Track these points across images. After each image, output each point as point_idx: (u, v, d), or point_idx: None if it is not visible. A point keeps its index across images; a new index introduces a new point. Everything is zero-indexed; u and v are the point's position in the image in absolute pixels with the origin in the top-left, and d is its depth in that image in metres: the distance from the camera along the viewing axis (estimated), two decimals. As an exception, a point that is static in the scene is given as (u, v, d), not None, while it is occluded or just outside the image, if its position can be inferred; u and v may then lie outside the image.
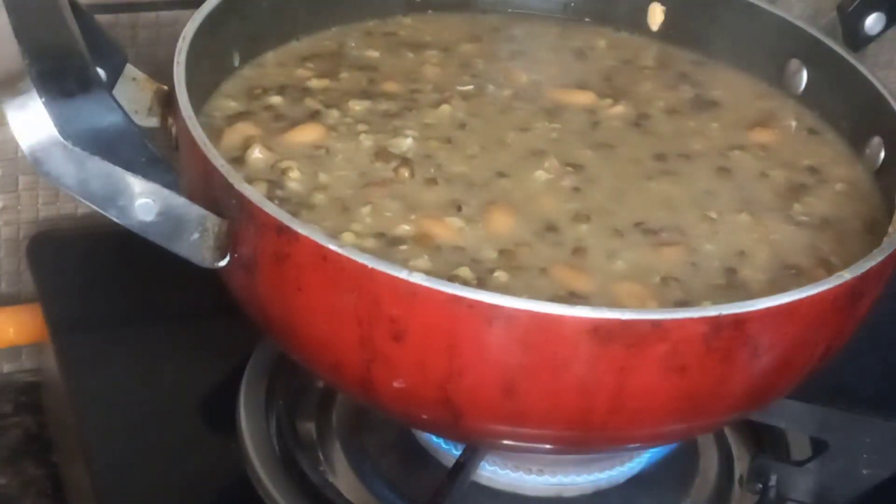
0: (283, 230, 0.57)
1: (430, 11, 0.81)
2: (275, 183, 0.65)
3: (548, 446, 0.65)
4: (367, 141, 0.69)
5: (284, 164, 0.66)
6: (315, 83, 0.73)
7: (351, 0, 0.78)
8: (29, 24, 0.60)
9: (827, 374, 0.64)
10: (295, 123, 0.69)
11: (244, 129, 0.68)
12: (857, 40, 0.80)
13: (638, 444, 0.68)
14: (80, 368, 0.77)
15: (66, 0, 0.63)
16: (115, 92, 0.67)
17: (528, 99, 0.75)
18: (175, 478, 0.71)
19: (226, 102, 0.70)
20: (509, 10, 0.82)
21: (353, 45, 0.77)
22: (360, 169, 0.67)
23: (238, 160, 0.66)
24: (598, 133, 0.73)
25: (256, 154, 0.66)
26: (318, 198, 0.64)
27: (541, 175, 0.68)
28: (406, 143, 0.69)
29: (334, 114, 0.71)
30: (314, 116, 0.70)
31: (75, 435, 0.74)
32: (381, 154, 0.68)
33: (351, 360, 0.59)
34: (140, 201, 0.58)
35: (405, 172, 0.66)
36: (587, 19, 0.82)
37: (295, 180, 0.65)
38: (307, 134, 0.69)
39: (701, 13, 0.79)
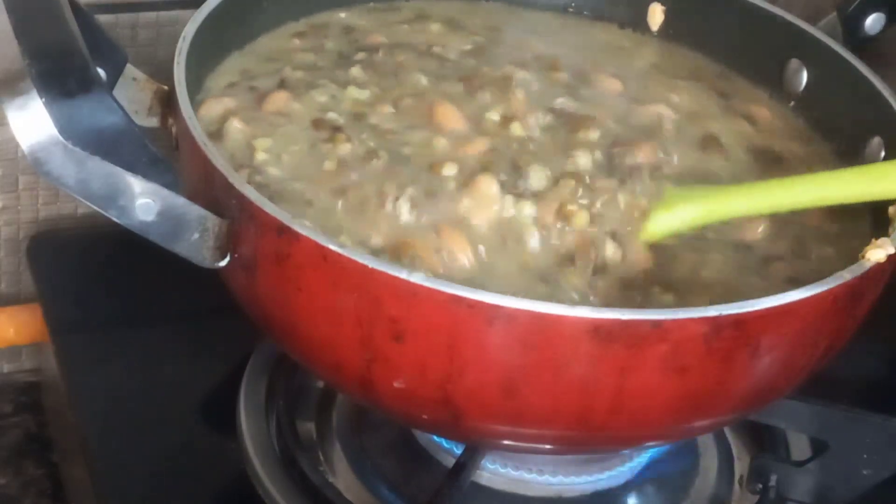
0: (283, 230, 0.57)
1: None
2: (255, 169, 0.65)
3: (548, 446, 0.65)
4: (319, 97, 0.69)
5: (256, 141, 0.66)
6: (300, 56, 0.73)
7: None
8: (29, 24, 0.60)
9: (827, 372, 0.64)
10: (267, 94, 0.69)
11: (225, 103, 0.68)
12: (857, 40, 0.80)
13: (638, 444, 0.68)
14: (80, 368, 0.77)
15: (66, 0, 0.63)
16: (115, 92, 0.67)
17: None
18: (175, 478, 0.71)
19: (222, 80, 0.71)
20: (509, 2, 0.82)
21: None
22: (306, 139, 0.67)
23: (216, 135, 0.66)
24: None
25: (235, 125, 0.66)
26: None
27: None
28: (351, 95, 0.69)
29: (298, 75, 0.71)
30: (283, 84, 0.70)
31: (75, 435, 0.74)
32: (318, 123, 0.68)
33: (351, 360, 0.59)
34: (140, 201, 0.58)
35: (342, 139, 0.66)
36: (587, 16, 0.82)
37: (264, 160, 0.65)
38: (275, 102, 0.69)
39: (701, 13, 0.79)
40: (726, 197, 0.64)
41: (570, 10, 0.82)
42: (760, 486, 0.72)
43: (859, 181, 0.63)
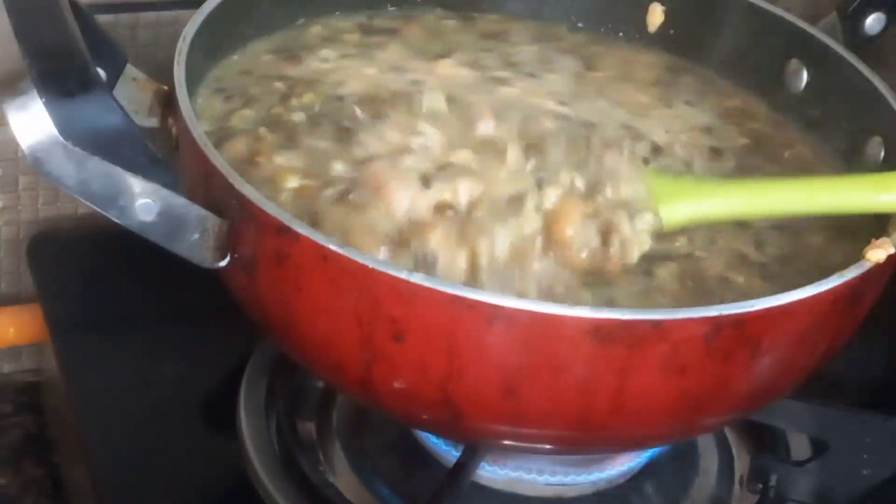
0: (283, 230, 0.57)
1: None
2: None
3: (548, 446, 0.65)
4: None
5: None
6: None
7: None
8: (29, 24, 0.60)
9: (827, 372, 0.64)
10: None
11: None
12: (857, 40, 0.80)
13: (638, 445, 0.68)
14: (80, 368, 0.77)
15: (66, 0, 0.63)
16: (115, 92, 0.67)
17: None
18: (175, 478, 0.71)
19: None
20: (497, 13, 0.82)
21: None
22: None
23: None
24: None
25: None
26: None
27: None
28: None
29: None
30: None
31: (75, 435, 0.74)
32: None
33: (351, 360, 0.59)
34: (140, 201, 0.58)
35: None
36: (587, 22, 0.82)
37: None
38: None
39: (701, 13, 0.79)
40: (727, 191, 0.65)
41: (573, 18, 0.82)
42: (760, 486, 0.72)
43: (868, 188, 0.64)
